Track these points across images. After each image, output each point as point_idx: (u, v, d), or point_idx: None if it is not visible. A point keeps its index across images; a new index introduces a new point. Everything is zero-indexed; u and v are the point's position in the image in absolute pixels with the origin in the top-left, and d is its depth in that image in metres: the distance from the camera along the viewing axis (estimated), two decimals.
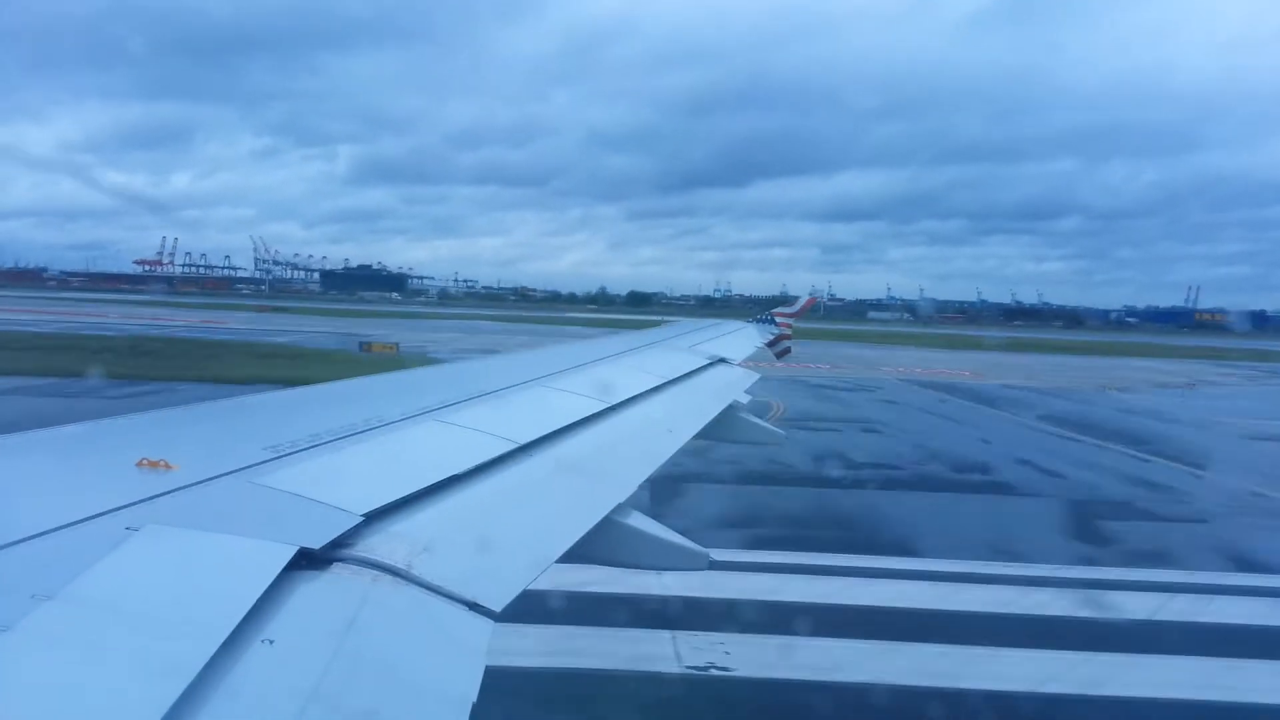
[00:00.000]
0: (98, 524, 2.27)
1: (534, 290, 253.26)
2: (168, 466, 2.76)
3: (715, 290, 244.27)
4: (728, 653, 10.46)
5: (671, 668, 10.04)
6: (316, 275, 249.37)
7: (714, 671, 10.09)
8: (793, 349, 15.65)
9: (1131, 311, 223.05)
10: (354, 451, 3.36)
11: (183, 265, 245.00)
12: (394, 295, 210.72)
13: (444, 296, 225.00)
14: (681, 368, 7.83)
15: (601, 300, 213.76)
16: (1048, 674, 10.41)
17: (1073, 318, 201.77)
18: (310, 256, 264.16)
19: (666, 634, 10.82)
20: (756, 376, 9.07)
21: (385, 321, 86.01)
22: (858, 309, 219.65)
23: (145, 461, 2.76)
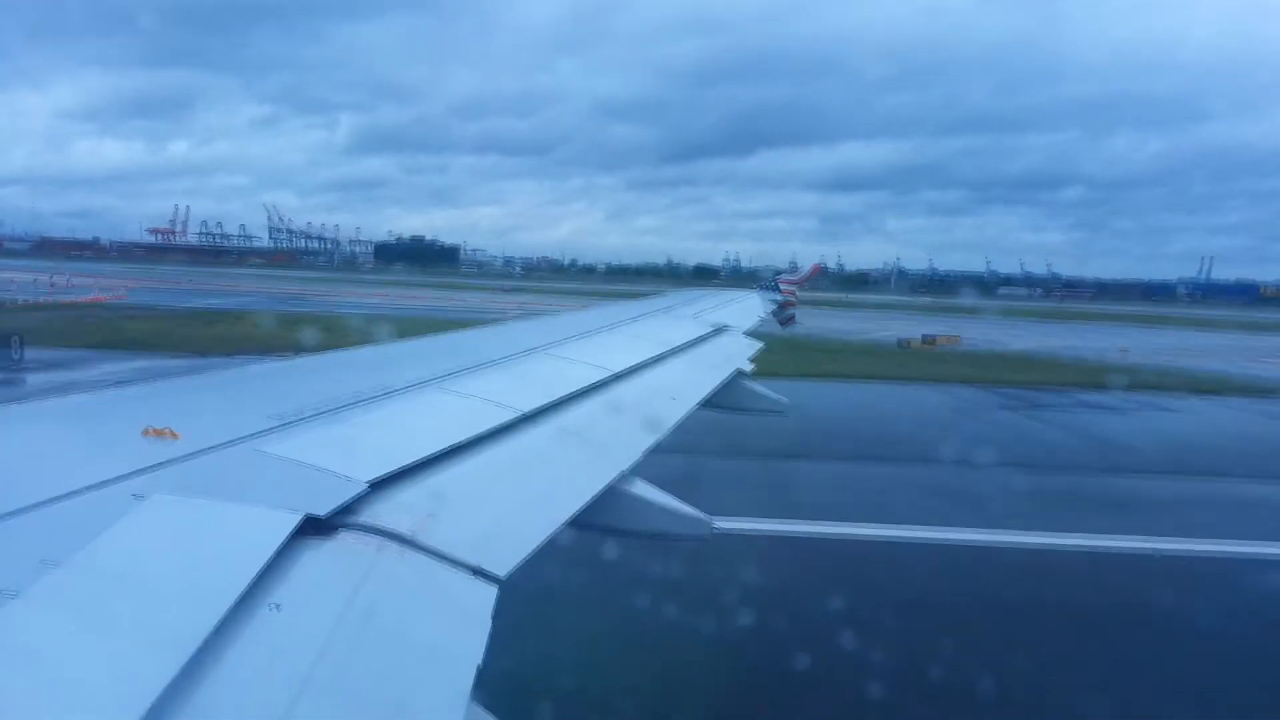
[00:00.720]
0: (104, 492, 2.28)
1: (594, 264, 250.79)
2: (173, 435, 2.77)
3: (743, 263, 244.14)
4: None
5: None
6: (369, 247, 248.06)
7: None
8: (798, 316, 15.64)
9: (1193, 285, 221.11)
10: (359, 420, 3.37)
11: (200, 234, 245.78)
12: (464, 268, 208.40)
13: (509, 270, 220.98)
14: (685, 336, 7.83)
15: (668, 273, 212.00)
16: None
17: (1137, 291, 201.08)
18: (322, 226, 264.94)
19: None
20: (760, 345, 9.06)
21: (519, 297, 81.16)
22: (858, 279, 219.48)
23: (150, 430, 2.78)
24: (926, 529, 14.66)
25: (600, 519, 3.39)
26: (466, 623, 2.17)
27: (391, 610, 2.11)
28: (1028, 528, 14.99)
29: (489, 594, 2.32)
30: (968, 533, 14.64)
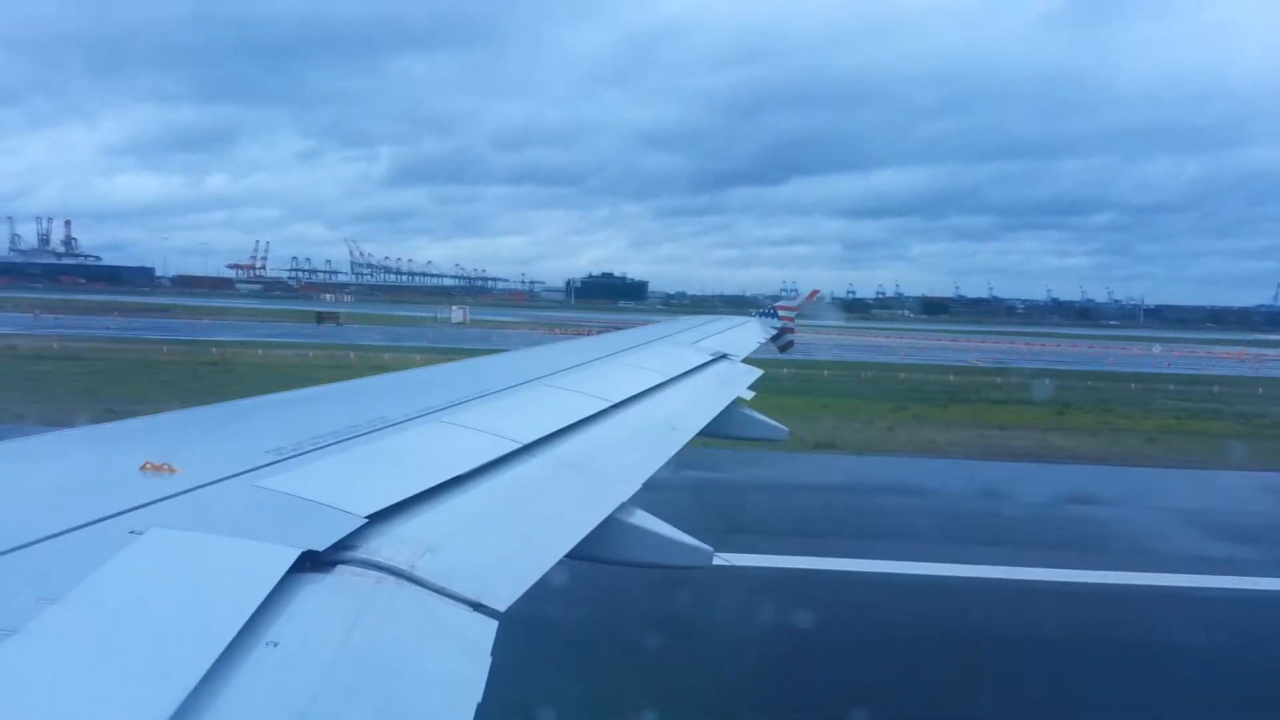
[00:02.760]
0: (102, 527, 2.27)
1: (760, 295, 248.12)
2: (171, 470, 2.77)
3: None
4: None
5: None
6: (551, 286, 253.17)
7: None
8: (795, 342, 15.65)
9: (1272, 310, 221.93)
10: (357, 453, 3.37)
11: (291, 272, 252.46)
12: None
13: (697, 302, 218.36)
14: (684, 364, 7.83)
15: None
16: None
17: (1211, 317, 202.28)
18: (398, 260, 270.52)
19: None
20: (760, 372, 9.07)
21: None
22: (877, 304, 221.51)
23: (148, 465, 2.77)
24: (928, 565, 14.59)
25: (600, 550, 3.38)
26: (466, 657, 2.15)
27: (390, 645, 2.09)
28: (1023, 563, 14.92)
29: (489, 628, 2.31)
30: (969, 569, 14.57)
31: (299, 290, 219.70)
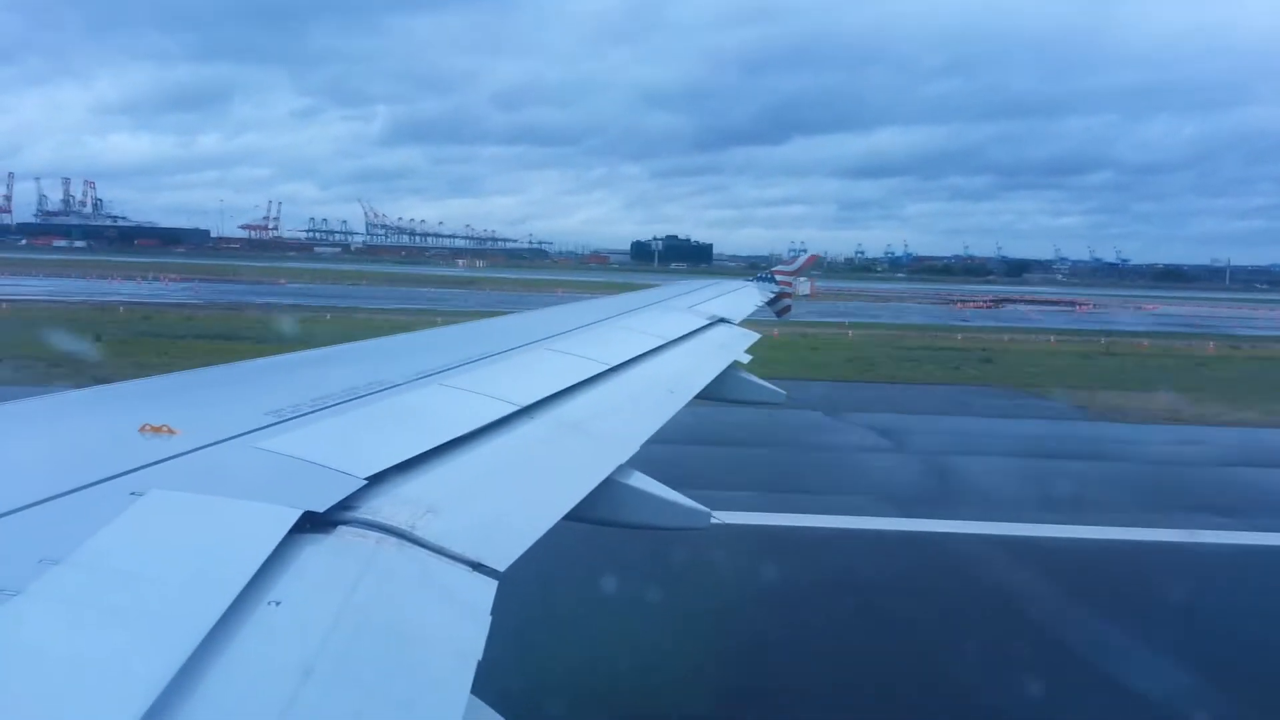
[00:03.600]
0: (102, 489, 2.28)
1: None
2: (170, 432, 2.77)
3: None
4: None
5: None
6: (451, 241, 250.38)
7: None
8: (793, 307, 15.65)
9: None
10: (356, 415, 3.37)
11: (308, 231, 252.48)
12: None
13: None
14: (681, 328, 7.82)
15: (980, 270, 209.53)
16: None
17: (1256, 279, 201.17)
18: (414, 220, 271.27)
19: None
20: (757, 336, 9.07)
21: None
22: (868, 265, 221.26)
23: (148, 427, 2.77)
24: (922, 521, 14.70)
25: (598, 512, 3.40)
26: (466, 617, 2.17)
27: (391, 605, 2.11)
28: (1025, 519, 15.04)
29: (489, 588, 2.33)
30: (965, 525, 14.68)
31: (370, 252, 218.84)
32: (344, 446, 2.94)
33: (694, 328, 8.17)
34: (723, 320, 9.27)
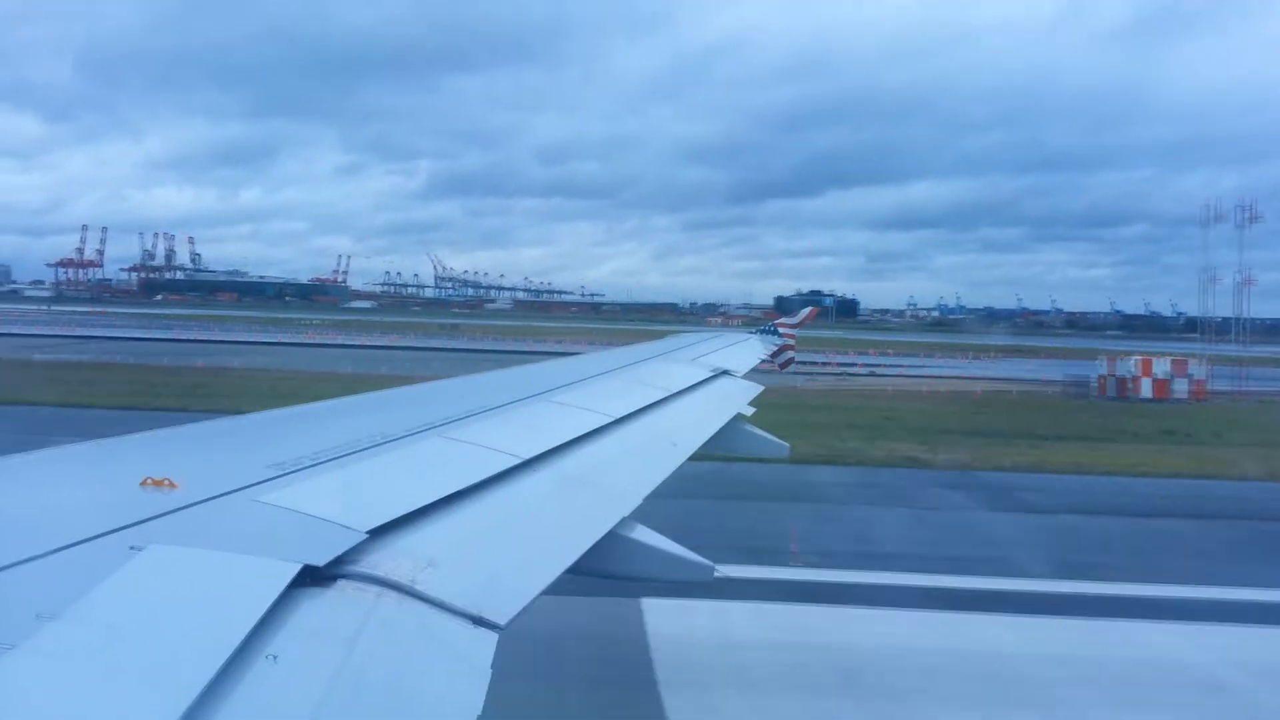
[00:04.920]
0: (102, 543, 2.27)
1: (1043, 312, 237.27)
2: (171, 485, 2.76)
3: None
4: None
5: None
6: (508, 295, 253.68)
7: None
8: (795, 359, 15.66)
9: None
10: (358, 468, 3.36)
11: (384, 285, 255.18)
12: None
13: (915, 319, 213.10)
14: (685, 380, 7.83)
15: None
16: None
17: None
18: (480, 273, 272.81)
19: None
20: (760, 388, 9.06)
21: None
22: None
23: (149, 480, 2.77)
24: (926, 577, 14.53)
25: (601, 565, 3.37)
26: (466, 672, 2.14)
27: (390, 660, 2.09)
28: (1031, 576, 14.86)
29: (489, 642, 2.30)
30: (971, 581, 14.51)
31: (441, 305, 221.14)
32: (345, 500, 2.93)
33: (697, 380, 8.18)
34: (726, 372, 9.28)
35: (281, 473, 3.09)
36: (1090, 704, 10.09)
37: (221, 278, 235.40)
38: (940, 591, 13.75)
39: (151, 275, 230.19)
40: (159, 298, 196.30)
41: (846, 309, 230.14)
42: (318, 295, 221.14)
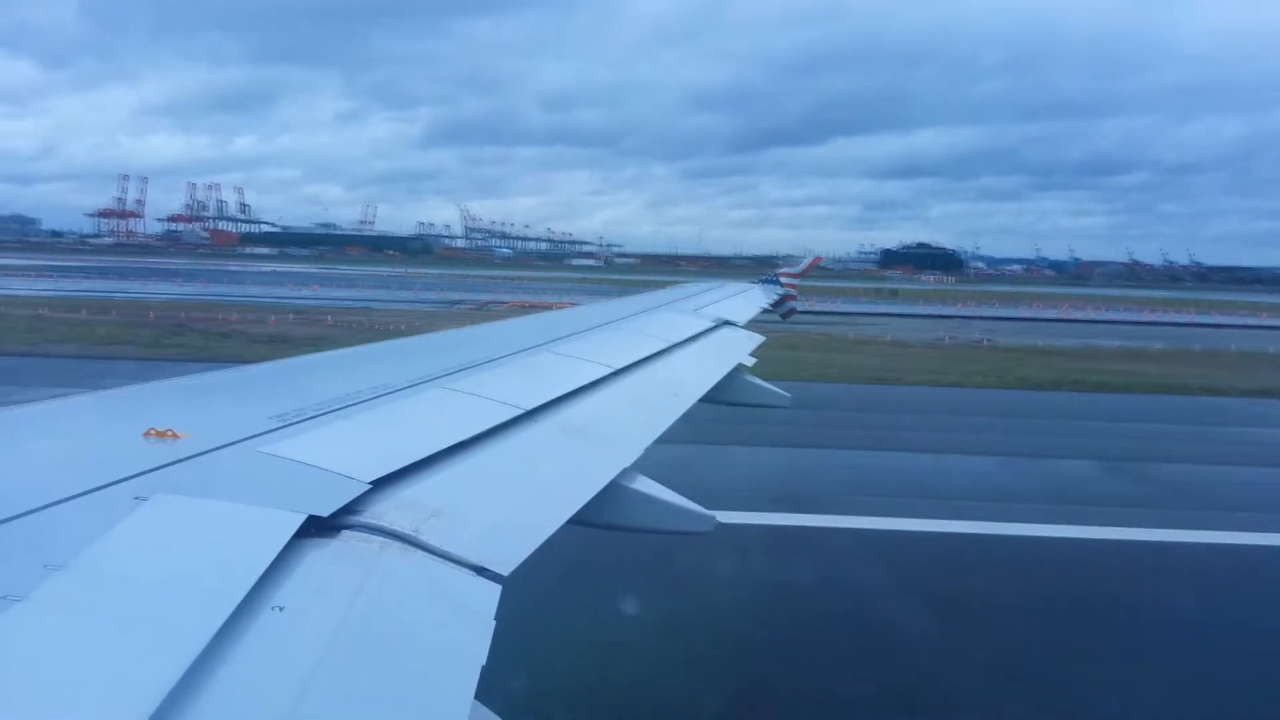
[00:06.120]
0: (106, 494, 2.28)
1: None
2: (175, 436, 2.77)
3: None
4: None
5: None
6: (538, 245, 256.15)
7: None
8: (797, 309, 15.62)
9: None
10: (360, 419, 3.37)
11: (418, 235, 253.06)
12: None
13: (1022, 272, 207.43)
14: (686, 331, 7.82)
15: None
16: None
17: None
18: (506, 224, 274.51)
19: None
20: (761, 339, 9.05)
21: None
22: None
23: (152, 431, 2.78)
24: (926, 521, 14.67)
25: (603, 516, 3.39)
26: (470, 622, 2.17)
27: (394, 610, 2.11)
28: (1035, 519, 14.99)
29: (492, 593, 2.32)
30: (969, 525, 14.65)
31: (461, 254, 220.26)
32: (348, 450, 2.94)
33: (698, 330, 8.17)
34: (727, 323, 9.27)
35: (284, 423, 3.10)
36: None
37: (295, 229, 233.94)
38: (956, 537, 13.88)
39: (202, 225, 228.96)
40: (245, 250, 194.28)
41: (949, 262, 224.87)
42: (420, 249, 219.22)
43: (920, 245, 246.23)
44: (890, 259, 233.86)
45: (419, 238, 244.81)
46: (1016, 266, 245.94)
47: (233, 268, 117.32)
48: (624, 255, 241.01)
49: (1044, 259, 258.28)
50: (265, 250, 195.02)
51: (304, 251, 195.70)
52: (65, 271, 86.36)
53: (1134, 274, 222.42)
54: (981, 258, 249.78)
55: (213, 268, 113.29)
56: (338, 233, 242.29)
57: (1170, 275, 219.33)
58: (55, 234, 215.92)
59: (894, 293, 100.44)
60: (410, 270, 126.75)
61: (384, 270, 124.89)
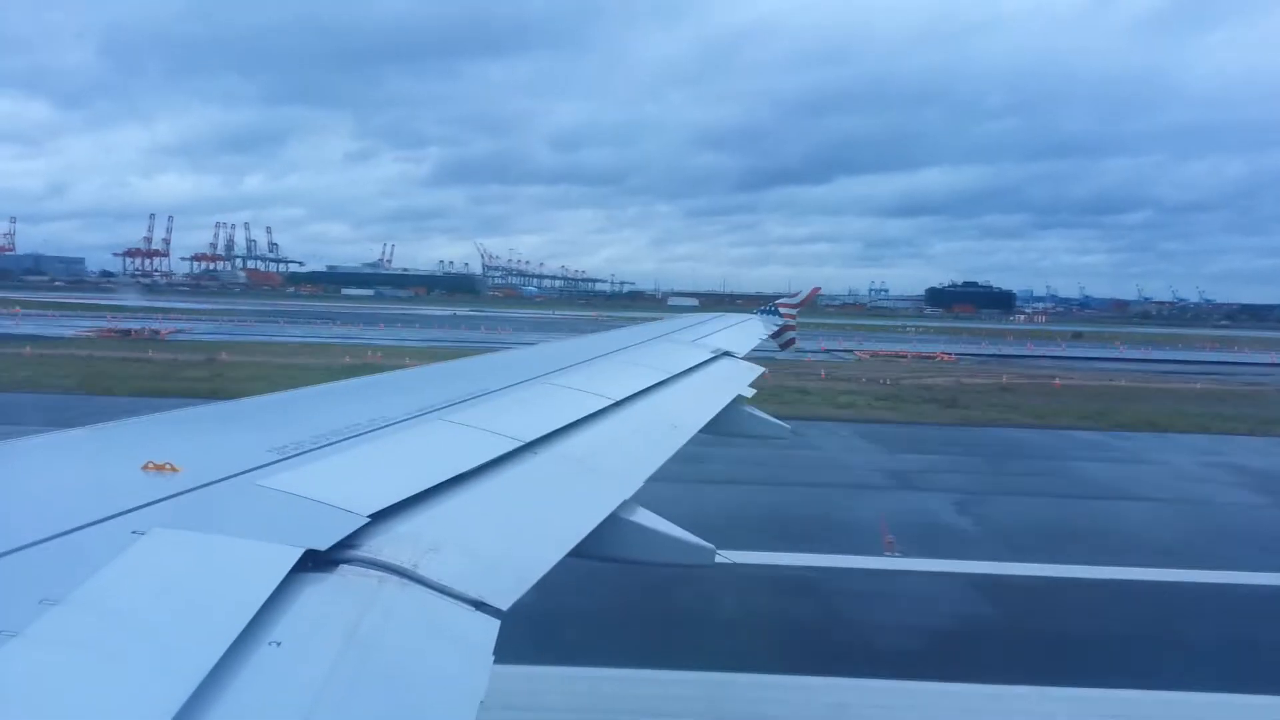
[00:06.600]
0: (104, 528, 2.27)
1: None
2: (173, 469, 2.76)
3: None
4: None
5: None
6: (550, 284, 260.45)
7: None
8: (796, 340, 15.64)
9: None
10: (359, 452, 3.36)
11: (440, 273, 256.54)
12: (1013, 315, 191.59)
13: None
14: (685, 362, 7.82)
15: None
16: None
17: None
18: (521, 261, 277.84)
19: None
20: (761, 370, 9.05)
21: None
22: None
23: (150, 465, 2.77)
24: (928, 561, 14.59)
25: (602, 548, 3.38)
26: (468, 656, 2.15)
27: (392, 645, 2.09)
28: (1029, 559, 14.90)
29: (491, 627, 2.31)
30: (970, 565, 14.57)
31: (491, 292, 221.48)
32: (346, 484, 2.93)
33: (698, 361, 8.16)
34: (727, 354, 9.27)
35: (283, 456, 3.09)
36: None
37: (341, 269, 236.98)
38: (952, 575, 13.78)
39: (237, 264, 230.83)
40: (290, 290, 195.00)
41: (1001, 301, 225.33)
42: (461, 289, 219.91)
43: (968, 283, 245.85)
44: (940, 298, 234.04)
45: (466, 277, 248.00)
46: (1059, 305, 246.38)
47: (342, 309, 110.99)
48: (679, 294, 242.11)
49: (1088, 297, 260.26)
50: (311, 289, 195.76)
51: (364, 292, 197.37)
52: (212, 315, 78.91)
53: (1179, 312, 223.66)
54: (1038, 298, 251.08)
55: (343, 309, 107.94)
56: (384, 273, 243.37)
57: (1221, 313, 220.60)
58: (106, 274, 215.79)
59: (1078, 335, 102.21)
60: (501, 312, 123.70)
61: (473, 311, 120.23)
